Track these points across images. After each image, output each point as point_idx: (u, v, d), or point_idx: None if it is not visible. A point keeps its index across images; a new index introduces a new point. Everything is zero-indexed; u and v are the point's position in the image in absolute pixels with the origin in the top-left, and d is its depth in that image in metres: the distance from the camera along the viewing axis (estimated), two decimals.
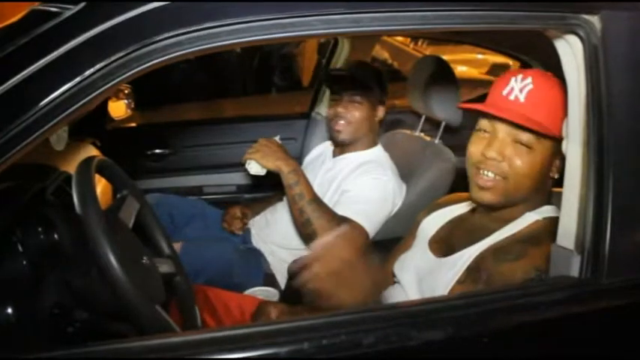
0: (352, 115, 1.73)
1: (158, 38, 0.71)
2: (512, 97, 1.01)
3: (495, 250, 1.01)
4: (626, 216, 0.88)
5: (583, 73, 0.87)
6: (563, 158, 0.95)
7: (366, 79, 1.76)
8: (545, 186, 1.06)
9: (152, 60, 0.72)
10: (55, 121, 0.70)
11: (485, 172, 1.01)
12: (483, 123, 1.05)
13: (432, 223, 1.22)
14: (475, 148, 1.04)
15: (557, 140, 0.97)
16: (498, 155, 1.00)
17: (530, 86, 1.00)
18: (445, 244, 1.14)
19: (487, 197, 1.02)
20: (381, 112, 1.78)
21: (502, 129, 1.01)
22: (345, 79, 1.77)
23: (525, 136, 0.99)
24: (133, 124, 2.57)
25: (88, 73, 0.70)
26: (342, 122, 1.74)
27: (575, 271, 0.89)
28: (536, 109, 0.99)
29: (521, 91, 1.00)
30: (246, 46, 0.85)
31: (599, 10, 0.86)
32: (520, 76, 1.02)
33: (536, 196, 1.05)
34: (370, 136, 1.79)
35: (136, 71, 0.72)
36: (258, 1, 0.75)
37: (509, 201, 1.03)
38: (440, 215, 1.23)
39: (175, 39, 0.72)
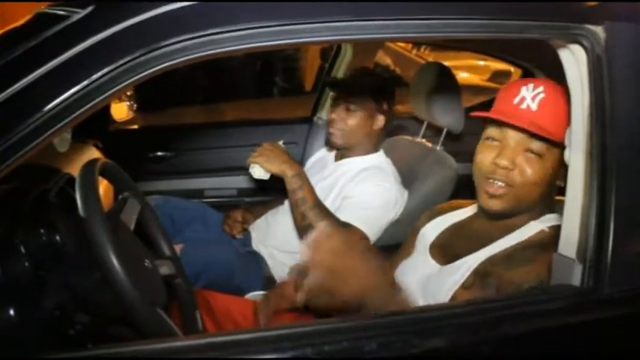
0: (345, 122, 1.74)
1: (165, 43, 0.71)
2: (523, 106, 1.01)
3: (503, 258, 1.01)
4: (629, 225, 0.89)
5: (587, 82, 0.88)
6: (566, 166, 0.96)
7: (363, 87, 1.76)
8: (551, 194, 1.06)
9: (159, 65, 0.72)
10: (61, 124, 0.71)
11: (496, 181, 1.02)
12: (493, 131, 1.05)
13: (432, 229, 1.22)
14: (484, 157, 1.04)
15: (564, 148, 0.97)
16: (510, 164, 1.00)
17: (543, 95, 1.01)
18: (446, 250, 1.14)
19: (496, 205, 1.02)
20: (380, 121, 1.76)
21: (513, 137, 1.01)
22: (343, 86, 1.79)
23: (537, 145, 0.99)
24: (135, 126, 2.59)
25: (95, 77, 0.71)
26: (336, 128, 1.75)
27: (576, 280, 0.89)
28: (548, 118, 0.99)
29: (533, 99, 1.01)
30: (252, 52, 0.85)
31: (604, 21, 0.86)
32: (531, 85, 1.02)
33: (540, 205, 1.05)
34: (369, 142, 1.78)
35: (143, 76, 0.72)
36: (265, 2, 0.75)
37: (517, 209, 1.03)
38: (440, 222, 1.23)
39: (182, 44, 0.72)
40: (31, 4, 0.91)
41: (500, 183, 1.01)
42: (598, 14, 0.87)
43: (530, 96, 1.01)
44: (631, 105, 0.88)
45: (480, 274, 1.02)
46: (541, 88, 1.01)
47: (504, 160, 1.00)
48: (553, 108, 1.00)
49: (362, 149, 1.79)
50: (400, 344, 0.78)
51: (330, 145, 1.86)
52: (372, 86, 1.77)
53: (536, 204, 1.04)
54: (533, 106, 1.00)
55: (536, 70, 1.86)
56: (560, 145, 0.99)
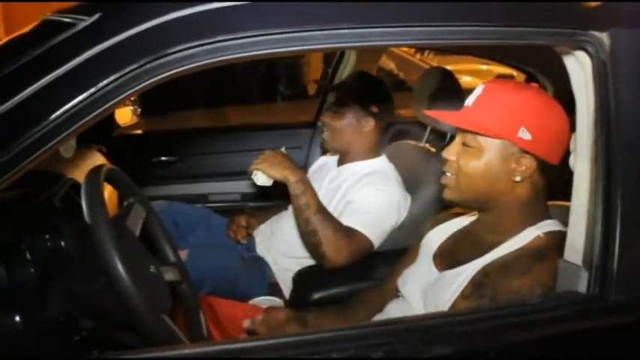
0: (332, 124, 1.76)
1: (171, 50, 0.72)
2: (465, 104, 1.08)
3: (500, 266, 1.02)
4: (635, 231, 0.88)
5: (591, 89, 0.88)
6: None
7: (350, 90, 1.78)
8: (535, 196, 1.06)
9: (165, 72, 0.72)
10: (68, 131, 0.71)
11: (445, 172, 1.09)
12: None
13: (436, 236, 1.22)
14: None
15: (511, 143, 1.01)
16: (450, 155, 1.08)
17: (479, 92, 1.06)
18: (449, 257, 1.14)
19: (445, 194, 1.10)
20: (369, 123, 1.76)
21: (459, 133, 1.08)
22: (334, 90, 1.82)
23: (469, 138, 1.05)
24: (139, 131, 2.59)
25: (101, 84, 0.71)
26: (326, 131, 1.80)
27: (582, 286, 0.89)
28: (483, 113, 1.03)
29: (473, 96, 1.07)
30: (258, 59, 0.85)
31: (608, 27, 0.86)
32: (481, 85, 1.08)
33: (532, 209, 1.06)
34: (363, 145, 1.78)
35: (149, 83, 0.72)
36: None
37: (472, 199, 1.08)
38: (443, 228, 1.23)
39: (188, 51, 0.72)
40: (36, 10, 0.91)
41: (447, 174, 1.09)
42: (603, 20, 0.87)
43: (474, 94, 1.07)
44: (636, 111, 0.88)
45: (477, 282, 1.03)
46: (481, 87, 1.06)
47: (446, 152, 1.08)
48: (489, 103, 1.04)
49: (361, 153, 1.79)
50: (407, 352, 0.78)
51: (323, 149, 1.88)
52: (361, 89, 1.78)
53: (500, 199, 1.05)
54: (470, 103, 1.07)
55: (540, 74, 1.86)
56: (502, 139, 1.02)
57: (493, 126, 1.01)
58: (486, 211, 1.10)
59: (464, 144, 1.06)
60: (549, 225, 1.05)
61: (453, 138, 1.84)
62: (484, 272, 1.03)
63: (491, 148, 1.03)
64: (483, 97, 1.05)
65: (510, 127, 1.00)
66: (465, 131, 1.05)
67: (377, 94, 1.80)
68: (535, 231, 1.04)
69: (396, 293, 1.24)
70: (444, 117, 1.14)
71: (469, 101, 1.07)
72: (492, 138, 1.02)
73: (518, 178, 1.02)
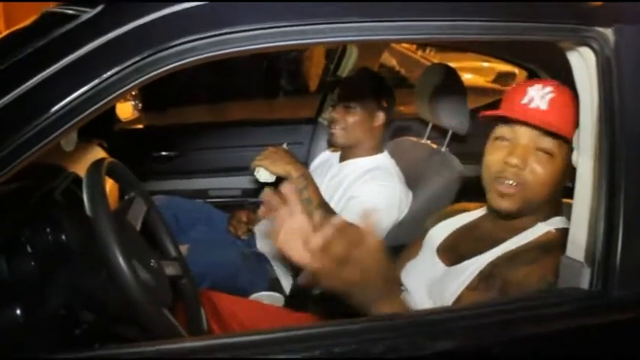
0: (345, 120, 1.75)
1: (174, 43, 0.71)
2: (532, 106, 1.01)
3: (509, 259, 1.01)
4: (637, 228, 0.88)
5: (595, 85, 0.87)
6: (574, 167, 0.95)
7: (361, 85, 1.77)
8: (557, 195, 1.05)
9: (167, 65, 0.72)
10: (70, 124, 0.71)
11: (507, 180, 1.01)
12: (503, 130, 1.04)
13: (440, 231, 1.22)
14: (495, 157, 1.03)
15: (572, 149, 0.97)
16: (521, 162, 0.99)
17: (552, 95, 1.01)
18: (454, 252, 1.14)
19: (506, 205, 1.02)
20: (380, 118, 1.77)
21: (524, 136, 1.01)
22: (342, 86, 1.80)
23: (548, 143, 0.99)
24: (140, 126, 2.59)
25: (104, 77, 0.70)
26: (337, 127, 1.77)
27: (585, 283, 0.89)
28: (559, 116, 0.99)
29: (542, 99, 1.01)
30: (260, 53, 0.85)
31: (613, 23, 0.86)
32: (540, 86, 1.03)
33: (547, 206, 1.05)
34: (371, 141, 1.79)
35: (151, 76, 0.72)
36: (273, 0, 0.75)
37: (527, 209, 1.03)
38: (448, 224, 1.22)
39: (190, 44, 0.72)
40: (36, 7, 0.90)
41: (511, 182, 1.00)
42: (607, 16, 0.86)
43: (539, 95, 1.01)
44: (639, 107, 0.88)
45: (486, 275, 1.02)
46: (550, 88, 1.02)
47: (515, 159, 0.99)
48: (562, 107, 1.00)
49: (365, 149, 1.79)
50: (409, 346, 0.78)
51: (332, 145, 1.87)
52: (370, 84, 1.79)
53: (544, 204, 1.03)
54: (543, 106, 1.00)
55: (542, 71, 1.86)
56: (568, 145, 0.99)
57: (569, 131, 0.97)
58: (517, 217, 1.05)
59: (540, 149, 0.99)
60: (560, 222, 1.05)
61: (455, 136, 1.86)
62: (493, 265, 1.02)
63: (563, 154, 0.99)
64: (557, 99, 1.00)
65: (573, 131, 0.96)
66: (541, 135, 0.99)
67: (385, 89, 1.81)
68: (546, 227, 1.03)
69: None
70: (524, 116, 1.00)
71: (540, 103, 1.00)
72: (568, 144, 0.98)
73: (571, 184, 0.97)
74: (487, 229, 1.11)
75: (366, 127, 1.76)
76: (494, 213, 1.08)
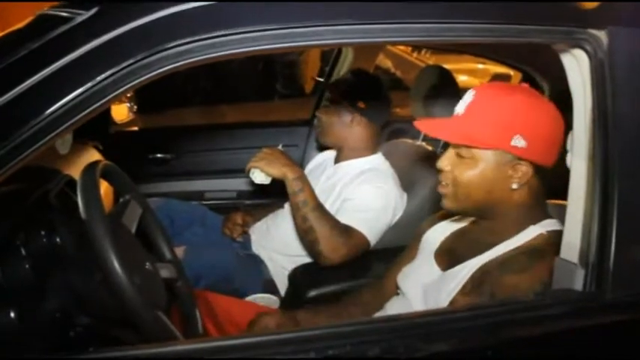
0: (323, 120, 1.80)
1: (169, 45, 0.71)
2: (455, 112, 1.05)
3: (500, 263, 1.02)
4: (631, 230, 0.88)
5: (589, 87, 0.88)
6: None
7: (342, 86, 1.81)
8: (536, 197, 1.06)
9: (162, 67, 0.72)
10: (64, 126, 0.70)
11: (442, 181, 1.08)
12: None
13: (436, 234, 1.22)
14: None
15: (506, 151, 0.99)
16: (445, 166, 1.06)
17: (470, 99, 1.03)
18: (449, 256, 1.14)
19: (444, 203, 1.09)
20: (357, 119, 1.76)
21: (452, 144, 1.06)
22: (329, 86, 1.88)
23: (462, 150, 1.03)
24: (136, 128, 2.58)
25: (98, 79, 0.70)
26: (318, 127, 1.85)
27: (579, 284, 0.89)
28: (474, 123, 1.01)
29: (464, 103, 1.04)
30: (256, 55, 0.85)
31: (606, 25, 0.86)
32: (471, 90, 1.05)
33: (532, 210, 1.05)
34: (359, 142, 1.78)
35: (146, 78, 0.72)
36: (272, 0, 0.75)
37: (471, 208, 1.08)
38: (444, 227, 1.23)
39: (186, 46, 0.72)
40: (32, 5, 0.90)
41: (443, 183, 1.07)
42: (601, 19, 0.87)
43: (464, 100, 1.04)
44: (633, 109, 0.88)
45: (477, 279, 1.02)
46: (472, 92, 1.04)
47: (439, 163, 1.07)
48: (480, 111, 1.01)
49: (356, 150, 1.79)
50: (403, 349, 0.78)
51: (319, 144, 1.92)
52: (349, 86, 1.79)
53: (499, 206, 1.04)
54: (461, 111, 1.04)
55: (536, 73, 1.86)
56: (496, 149, 1.00)
57: (486, 137, 0.99)
58: (486, 218, 1.09)
59: (457, 155, 1.04)
60: (551, 224, 1.05)
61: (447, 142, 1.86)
62: (484, 269, 1.03)
63: (485, 158, 1.01)
64: (474, 104, 1.02)
65: (504, 136, 0.98)
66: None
67: (367, 90, 1.80)
68: (538, 229, 1.04)
69: (394, 291, 1.23)
70: (432, 131, 1.10)
71: (460, 109, 1.04)
72: (486, 150, 1.00)
73: (515, 186, 1.01)
74: (480, 233, 1.12)
75: (343, 128, 1.77)
76: (482, 221, 1.11)
